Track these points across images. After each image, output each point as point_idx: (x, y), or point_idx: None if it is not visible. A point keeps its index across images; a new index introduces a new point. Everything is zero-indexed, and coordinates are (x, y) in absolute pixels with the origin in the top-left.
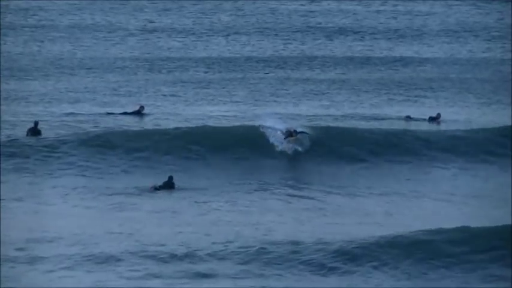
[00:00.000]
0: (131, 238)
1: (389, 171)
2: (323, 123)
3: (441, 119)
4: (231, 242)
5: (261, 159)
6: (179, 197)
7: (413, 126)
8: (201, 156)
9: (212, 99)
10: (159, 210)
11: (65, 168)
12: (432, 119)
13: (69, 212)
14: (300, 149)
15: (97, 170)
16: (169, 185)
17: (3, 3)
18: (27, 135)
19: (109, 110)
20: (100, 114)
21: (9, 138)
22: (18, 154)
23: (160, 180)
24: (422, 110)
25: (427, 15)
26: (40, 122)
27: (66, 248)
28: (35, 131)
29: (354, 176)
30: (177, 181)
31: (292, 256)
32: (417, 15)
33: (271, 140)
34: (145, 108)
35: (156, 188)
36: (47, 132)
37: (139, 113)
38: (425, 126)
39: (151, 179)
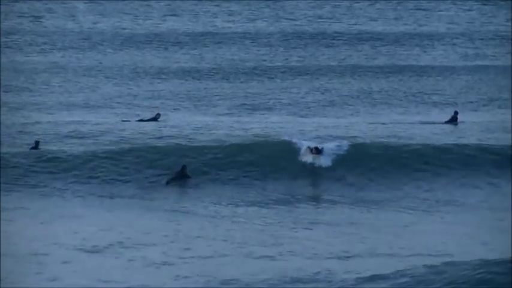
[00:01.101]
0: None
1: (413, 185)
2: (348, 136)
3: (458, 120)
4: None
5: (286, 174)
6: (205, 213)
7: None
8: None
9: (232, 111)
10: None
11: (75, 179)
12: (451, 120)
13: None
14: (323, 164)
15: (110, 181)
16: (182, 175)
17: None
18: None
19: (125, 118)
20: (116, 122)
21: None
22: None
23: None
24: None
25: (451, 23)
26: (51, 131)
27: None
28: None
29: (378, 190)
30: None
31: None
32: (440, 22)
33: (298, 154)
34: (168, 117)
35: (169, 182)
36: (58, 143)
37: (155, 120)
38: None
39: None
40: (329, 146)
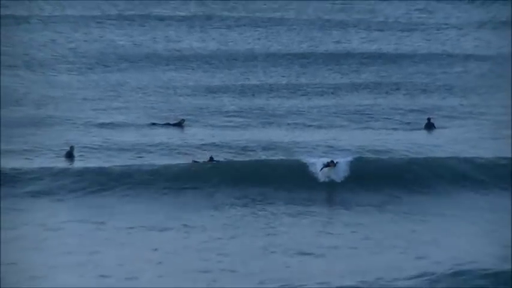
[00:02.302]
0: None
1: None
2: (360, 151)
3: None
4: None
5: (301, 189)
6: (223, 228)
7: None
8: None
9: (252, 126)
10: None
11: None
12: (428, 125)
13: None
14: (336, 179)
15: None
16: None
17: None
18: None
19: (154, 121)
20: (146, 124)
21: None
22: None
23: None
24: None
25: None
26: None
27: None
28: (70, 155)
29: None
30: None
31: None
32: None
33: (312, 169)
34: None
35: (196, 161)
36: (88, 154)
37: (180, 125)
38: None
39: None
40: (341, 161)
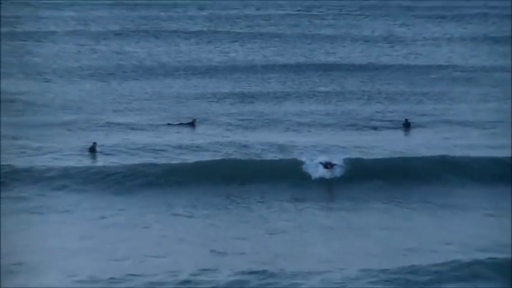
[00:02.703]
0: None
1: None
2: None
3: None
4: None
5: (299, 190)
6: (223, 225)
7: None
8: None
9: (254, 127)
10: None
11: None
12: (405, 125)
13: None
14: (334, 178)
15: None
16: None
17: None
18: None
19: (169, 121)
20: (162, 125)
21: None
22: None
23: None
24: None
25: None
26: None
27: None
28: (93, 150)
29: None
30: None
31: None
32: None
33: (309, 170)
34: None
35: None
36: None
37: (193, 124)
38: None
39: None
40: (337, 161)
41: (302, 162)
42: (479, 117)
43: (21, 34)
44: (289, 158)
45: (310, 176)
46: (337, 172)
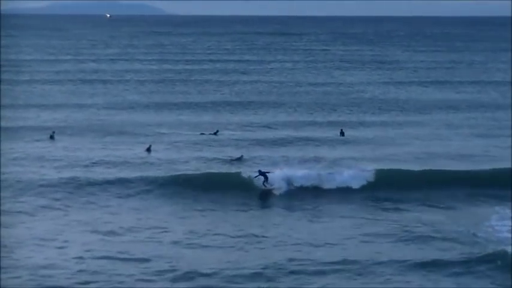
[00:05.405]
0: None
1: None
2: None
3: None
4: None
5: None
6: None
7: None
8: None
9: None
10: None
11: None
12: (342, 134)
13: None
14: (277, 191)
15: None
16: (240, 159)
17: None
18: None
19: (202, 131)
20: (195, 134)
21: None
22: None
23: None
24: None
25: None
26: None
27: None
28: (149, 150)
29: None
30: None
31: None
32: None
33: (258, 183)
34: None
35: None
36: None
37: (215, 134)
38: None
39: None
40: (273, 172)
41: (249, 176)
42: None
43: None
44: (235, 171)
45: (250, 185)
46: (273, 181)
